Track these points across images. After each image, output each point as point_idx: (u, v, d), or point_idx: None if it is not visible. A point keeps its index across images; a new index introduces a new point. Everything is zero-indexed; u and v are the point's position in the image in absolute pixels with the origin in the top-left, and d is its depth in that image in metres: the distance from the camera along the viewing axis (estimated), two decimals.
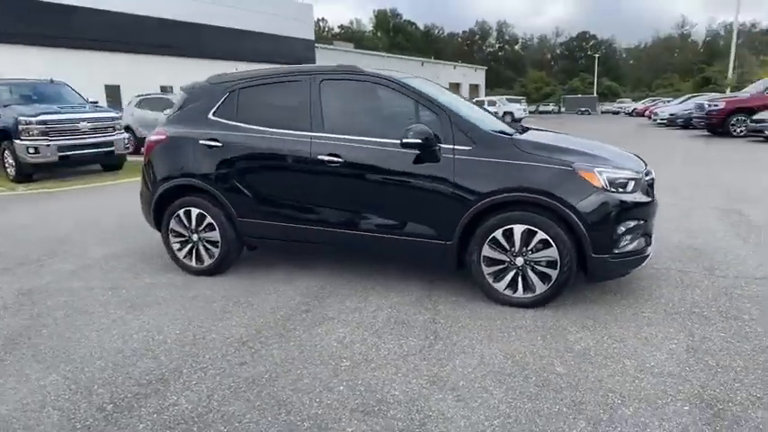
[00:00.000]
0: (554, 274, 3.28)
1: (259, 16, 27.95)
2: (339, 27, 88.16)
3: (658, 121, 22.83)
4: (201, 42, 24.84)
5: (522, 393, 2.46)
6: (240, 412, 2.37)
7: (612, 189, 3.23)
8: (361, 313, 3.41)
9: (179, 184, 4.10)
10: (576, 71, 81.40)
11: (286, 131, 3.82)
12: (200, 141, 4.02)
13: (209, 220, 4.04)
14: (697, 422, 2.22)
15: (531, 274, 3.33)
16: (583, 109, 51.55)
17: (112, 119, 10.25)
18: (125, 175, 10.27)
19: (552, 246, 3.24)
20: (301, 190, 3.80)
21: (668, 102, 30.08)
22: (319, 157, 3.66)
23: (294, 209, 3.83)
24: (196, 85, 4.31)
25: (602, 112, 51.97)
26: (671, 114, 21.24)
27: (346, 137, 3.66)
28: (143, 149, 4.52)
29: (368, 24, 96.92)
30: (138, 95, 14.70)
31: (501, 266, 3.39)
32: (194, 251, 4.17)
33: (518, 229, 3.28)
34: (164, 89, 20.85)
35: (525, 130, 4.10)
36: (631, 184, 3.32)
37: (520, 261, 3.33)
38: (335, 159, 3.62)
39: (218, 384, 2.61)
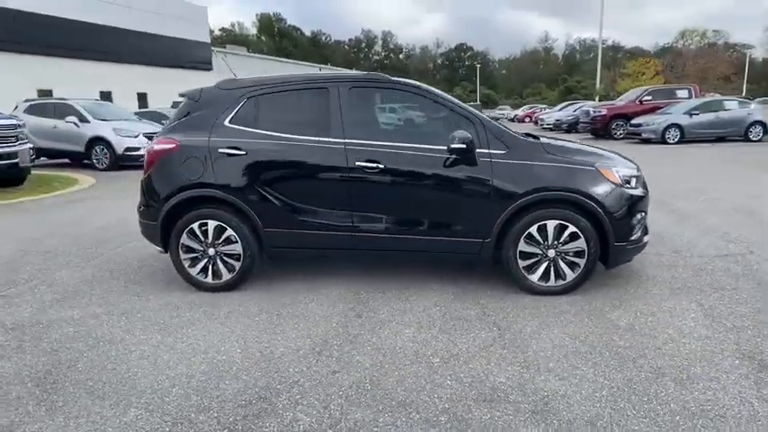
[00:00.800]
0: (582, 262, 3.67)
1: (152, 17, 26.32)
2: (221, 30, 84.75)
3: (544, 125, 25.26)
4: (90, 42, 22.82)
5: (607, 366, 2.77)
6: (369, 418, 2.39)
7: (626, 185, 3.71)
8: (413, 314, 3.52)
9: (195, 195, 3.87)
10: (456, 80, 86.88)
11: (316, 139, 3.80)
12: (220, 150, 3.85)
13: (229, 232, 3.87)
14: (751, 372, 2.68)
15: (561, 264, 3.69)
16: None
17: (15, 126, 9.05)
18: (32, 191, 9.10)
19: (581, 237, 3.62)
20: (336, 197, 3.80)
21: (544, 109, 33.45)
22: (358, 163, 3.71)
23: (327, 216, 3.82)
24: (204, 90, 4.10)
25: None
26: (557, 120, 23.68)
27: (385, 143, 3.75)
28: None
29: (251, 28, 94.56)
30: (28, 100, 13.03)
31: (535, 259, 3.71)
32: (211, 266, 3.96)
33: (551, 224, 3.63)
34: (43, 93, 18.70)
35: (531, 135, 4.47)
36: (634, 180, 3.83)
37: (552, 253, 3.68)
38: (375, 166, 3.69)
39: (325, 395, 2.58)
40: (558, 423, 2.30)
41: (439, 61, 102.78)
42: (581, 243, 3.64)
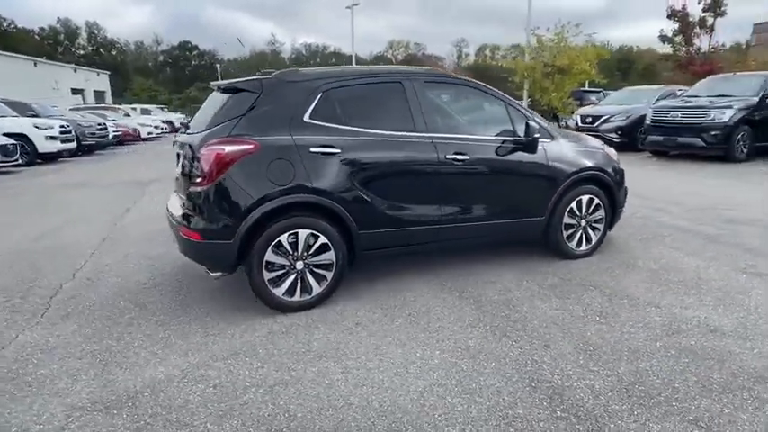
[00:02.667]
0: (601, 227, 4.61)
1: None
2: None
3: None
4: None
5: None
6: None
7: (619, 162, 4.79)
8: (520, 290, 3.87)
9: (286, 203, 3.33)
10: (185, 80, 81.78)
11: (407, 134, 3.73)
12: (312, 149, 3.40)
13: (322, 240, 3.47)
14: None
15: (589, 231, 4.56)
16: None
17: None
18: None
19: (601, 208, 4.55)
20: (427, 191, 3.81)
21: None
22: (448, 156, 3.80)
23: (419, 211, 3.80)
24: (265, 82, 3.49)
25: None
26: None
27: (464, 136, 3.94)
28: (207, 165, 3.27)
29: None
30: None
31: (573, 230, 4.48)
32: (299, 282, 3.48)
33: (585, 199, 4.45)
34: None
35: None
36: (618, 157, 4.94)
37: (583, 223, 4.51)
38: (462, 158, 3.85)
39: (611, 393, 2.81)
40: None
41: (161, 59, 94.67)
42: (602, 212, 4.57)
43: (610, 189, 4.57)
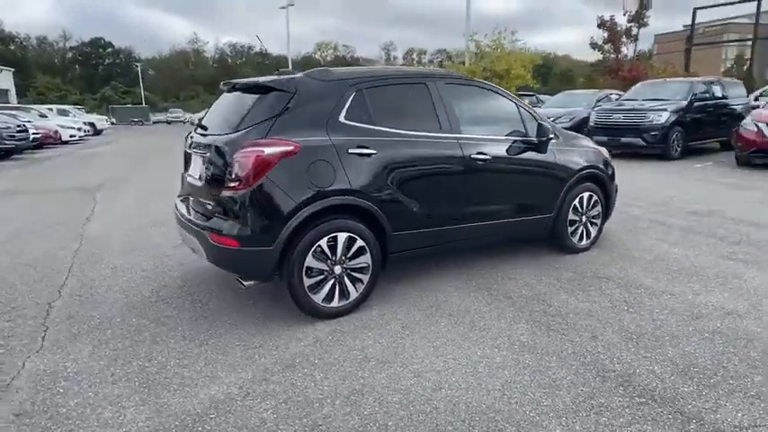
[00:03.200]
0: (599, 222, 4.85)
1: None
2: None
3: None
4: None
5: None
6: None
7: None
8: (542, 285, 3.98)
9: (327, 206, 3.21)
10: (98, 79, 76.58)
11: (435, 134, 3.73)
12: (350, 150, 3.31)
13: (359, 243, 3.39)
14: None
15: (589, 226, 4.78)
16: (135, 119, 50.17)
17: None
18: None
19: (599, 204, 4.80)
20: (454, 190, 3.82)
21: None
22: (473, 155, 3.84)
23: (446, 211, 3.81)
24: (298, 81, 3.34)
25: (154, 122, 52.04)
26: None
27: (484, 136, 3.99)
28: (239, 168, 3.09)
29: None
30: None
31: (575, 225, 4.68)
32: (337, 287, 3.37)
33: (586, 195, 4.66)
34: None
35: None
36: None
37: (584, 219, 4.72)
38: (484, 157, 3.91)
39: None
40: None
41: (69, 56, 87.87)
42: (599, 208, 4.81)
43: (605, 186, 4.82)
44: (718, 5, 16.88)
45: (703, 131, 11.92)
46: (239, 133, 3.19)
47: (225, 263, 3.28)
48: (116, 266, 4.58)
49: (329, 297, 3.35)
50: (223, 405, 2.48)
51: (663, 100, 11.61)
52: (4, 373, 2.79)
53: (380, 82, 3.64)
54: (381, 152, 3.44)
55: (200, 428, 2.31)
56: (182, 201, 3.92)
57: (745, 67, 44.54)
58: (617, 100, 13.32)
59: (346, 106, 3.41)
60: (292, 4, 33.09)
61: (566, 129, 12.93)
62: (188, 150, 3.76)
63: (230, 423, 2.35)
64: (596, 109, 12.62)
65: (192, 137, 3.76)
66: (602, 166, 4.77)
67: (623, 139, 11.40)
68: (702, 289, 3.83)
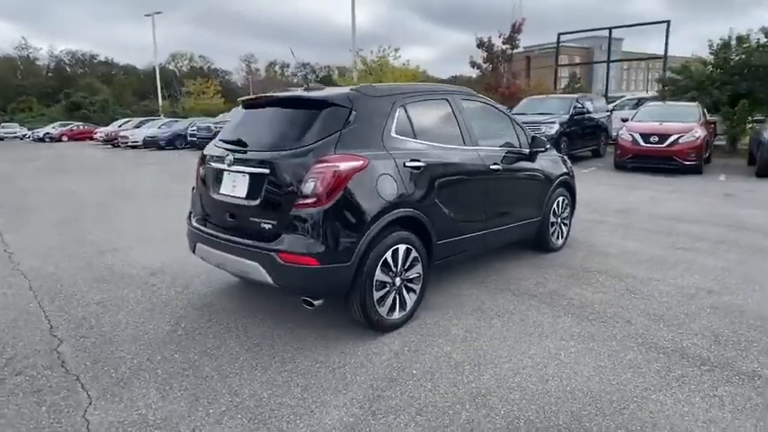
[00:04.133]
0: (569, 223, 5.45)
1: None
2: None
3: (129, 143, 23.43)
4: None
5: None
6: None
7: None
8: (552, 282, 4.39)
9: (395, 217, 3.25)
10: None
11: (463, 147, 3.94)
12: (406, 164, 3.38)
13: (413, 254, 3.46)
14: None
15: (563, 227, 5.35)
16: None
17: None
18: None
19: (568, 207, 5.40)
20: (478, 199, 4.06)
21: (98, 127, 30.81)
22: (491, 166, 4.13)
23: (473, 219, 4.03)
24: (352, 96, 3.32)
25: None
26: (149, 137, 22.59)
27: (494, 147, 4.31)
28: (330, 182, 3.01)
29: None
30: None
31: (554, 227, 5.20)
32: (397, 299, 3.41)
33: (560, 199, 5.22)
34: None
35: None
36: None
37: (559, 220, 5.28)
38: (497, 167, 4.22)
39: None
40: None
41: None
42: (569, 210, 5.41)
43: (573, 190, 5.44)
44: (579, 31, 19.63)
45: (581, 141, 13.71)
46: (306, 148, 3.09)
47: (299, 283, 3.12)
48: (100, 301, 4.03)
49: (392, 309, 3.37)
50: (359, 427, 2.41)
51: (549, 114, 13.13)
52: None
53: (418, 97, 3.77)
54: (428, 165, 3.56)
55: None
56: (203, 221, 3.63)
57: (577, 85, 52.43)
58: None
59: (395, 121, 3.48)
60: (160, 12, 30.96)
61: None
62: (217, 167, 3.51)
63: None
64: None
65: (218, 155, 3.51)
66: (570, 172, 5.38)
67: None
68: (677, 274, 4.53)
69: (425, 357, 3.07)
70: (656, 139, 11.06)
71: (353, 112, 3.27)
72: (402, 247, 3.35)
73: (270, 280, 3.11)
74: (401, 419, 2.47)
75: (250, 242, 3.19)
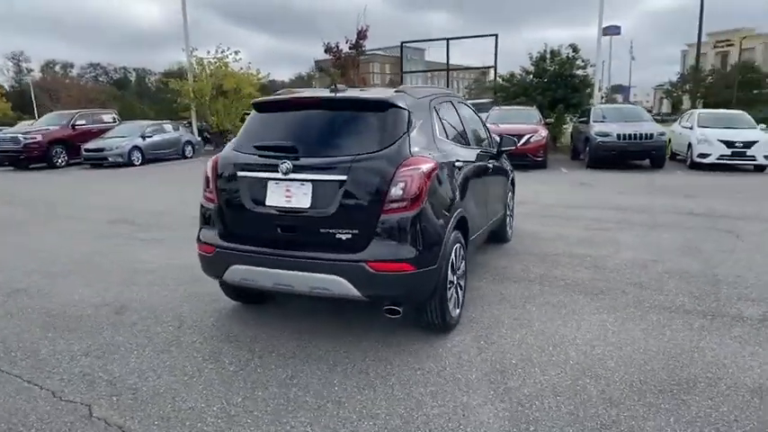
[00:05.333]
0: (513, 215, 6.05)
1: None
2: None
3: None
4: None
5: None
6: None
7: None
8: (542, 268, 4.86)
9: (460, 216, 3.35)
10: None
11: (473, 147, 4.16)
12: (455, 163, 3.48)
13: (462, 251, 3.58)
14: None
15: (511, 219, 5.91)
16: None
17: None
18: None
19: (512, 200, 5.99)
20: (484, 195, 4.31)
21: None
22: (487, 165, 4.42)
23: (482, 215, 4.26)
24: (406, 98, 3.25)
25: None
26: None
27: (484, 149, 4.60)
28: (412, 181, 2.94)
29: None
30: None
31: (509, 218, 5.73)
32: (456, 296, 3.49)
33: (510, 194, 5.77)
34: None
35: None
36: None
37: (509, 212, 5.83)
38: (490, 165, 4.53)
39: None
40: None
41: None
42: (513, 203, 6.00)
43: (514, 186, 6.05)
44: (421, 40, 21.24)
45: None
46: (386, 152, 2.98)
47: (393, 291, 2.97)
48: (94, 353, 3.26)
49: (455, 307, 3.43)
50: (519, 418, 2.47)
51: None
52: None
53: (438, 98, 3.85)
54: (462, 164, 3.69)
55: None
56: (239, 239, 3.21)
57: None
58: None
59: (436, 123, 3.54)
60: None
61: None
62: (260, 177, 3.13)
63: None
64: None
65: (261, 163, 3.16)
66: (512, 169, 5.98)
67: None
68: (616, 251, 5.38)
69: (507, 347, 3.21)
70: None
71: (411, 113, 3.24)
72: (457, 246, 3.43)
73: (356, 292, 2.93)
74: (548, 403, 2.59)
75: (327, 255, 2.95)
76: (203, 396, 2.72)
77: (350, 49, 20.21)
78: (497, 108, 14.98)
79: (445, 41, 19.23)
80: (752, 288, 4.17)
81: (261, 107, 3.51)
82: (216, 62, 21.92)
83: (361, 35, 20.03)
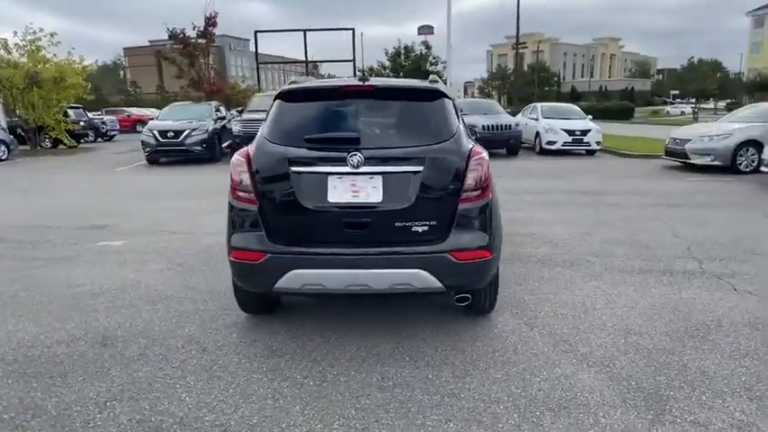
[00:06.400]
0: None
1: None
2: None
3: None
4: None
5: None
6: None
7: None
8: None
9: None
10: None
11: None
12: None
13: None
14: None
15: None
16: None
17: None
18: None
19: None
20: None
21: None
22: None
23: None
24: (444, 89, 3.26)
25: None
26: None
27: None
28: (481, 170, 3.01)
29: None
30: None
31: None
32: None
33: None
34: None
35: None
36: None
37: None
38: None
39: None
40: None
41: None
42: None
43: None
44: (274, 31, 20.32)
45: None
46: (453, 140, 2.99)
47: (471, 279, 2.99)
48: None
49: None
50: (610, 367, 2.76)
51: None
52: None
53: None
54: None
55: None
56: (297, 241, 2.93)
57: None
58: (240, 114, 14.50)
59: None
60: None
61: (204, 140, 13.32)
62: (320, 171, 2.88)
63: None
64: (237, 120, 13.45)
65: (318, 156, 2.92)
66: None
67: None
68: (549, 226, 6.09)
69: (548, 320, 3.50)
70: None
71: (455, 103, 3.30)
72: None
73: (437, 285, 2.91)
74: (624, 359, 2.93)
75: (409, 249, 2.87)
76: (313, 418, 2.45)
77: (198, 36, 18.66)
78: None
79: (302, 33, 18.95)
80: (674, 248, 5.13)
81: (290, 96, 3.20)
82: (26, 46, 18.40)
83: (210, 22, 18.64)
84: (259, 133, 3.17)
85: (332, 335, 3.29)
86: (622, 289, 4.06)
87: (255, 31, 19.15)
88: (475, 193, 2.97)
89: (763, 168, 8.54)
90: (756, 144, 9.51)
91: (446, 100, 3.20)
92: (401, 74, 18.70)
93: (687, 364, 2.87)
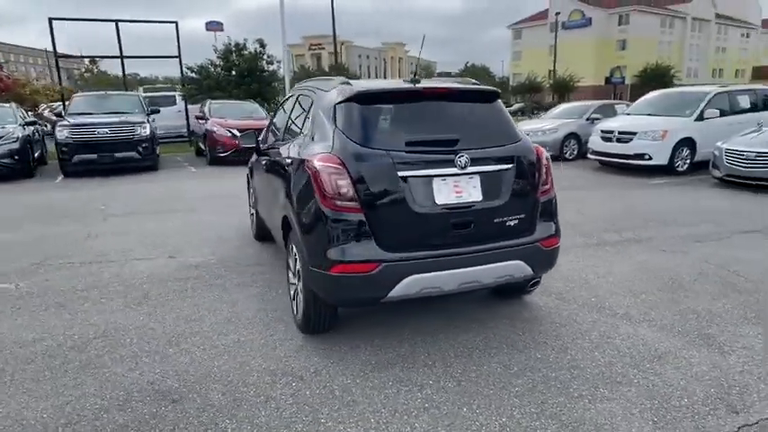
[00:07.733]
0: None
1: None
2: None
3: None
4: None
5: None
6: None
7: None
8: None
9: None
10: None
11: None
12: None
13: None
14: None
15: None
16: None
17: None
18: None
19: None
20: None
21: None
22: None
23: None
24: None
25: None
26: None
27: None
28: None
29: None
30: None
31: None
32: None
33: None
34: None
35: None
36: None
37: None
38: None
39: None
40: None
41: None
42: None
43: None
44: (75, 19, 16.94)
45: None
46: (524, 138, 3.26)
47: (550, 264, 3.31)
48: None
49: None
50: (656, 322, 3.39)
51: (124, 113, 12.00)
52: None
53: None
54: None
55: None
56: (413, 247, 2.89)
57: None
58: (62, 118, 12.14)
59: None
60: None
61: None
62: (426, 174, 2.86)
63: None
64: (63, 125, 11.23)
65: (424, 160, 2.93)
66: None
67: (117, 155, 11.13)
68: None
69: (575, 293, 4.00)
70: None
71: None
72: None
73: (530, 272, 3.17)
74: (654, 314, 3.59)
75: (508, 243, 3.06)
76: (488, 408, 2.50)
77: None
78: (216, 102, 14.23)
79: (114, 23, 16.47)
80: (632, 220, 6.24)
81: (367, 99, 3.06)
82: None
83: None
84: (335, 137, 2.96)
85: (428, 338, 3.29)
86: (610, 258, 4.89)
87: (50, 18, 16.01)
88: (547, 187, 3.30)
89: (590, 156, 10.66)
90: (576, 136, 11.83)
91: (499, 100, 3.45)
92: (233, 72, 17.80)
93: (695, 308, 3.68)
